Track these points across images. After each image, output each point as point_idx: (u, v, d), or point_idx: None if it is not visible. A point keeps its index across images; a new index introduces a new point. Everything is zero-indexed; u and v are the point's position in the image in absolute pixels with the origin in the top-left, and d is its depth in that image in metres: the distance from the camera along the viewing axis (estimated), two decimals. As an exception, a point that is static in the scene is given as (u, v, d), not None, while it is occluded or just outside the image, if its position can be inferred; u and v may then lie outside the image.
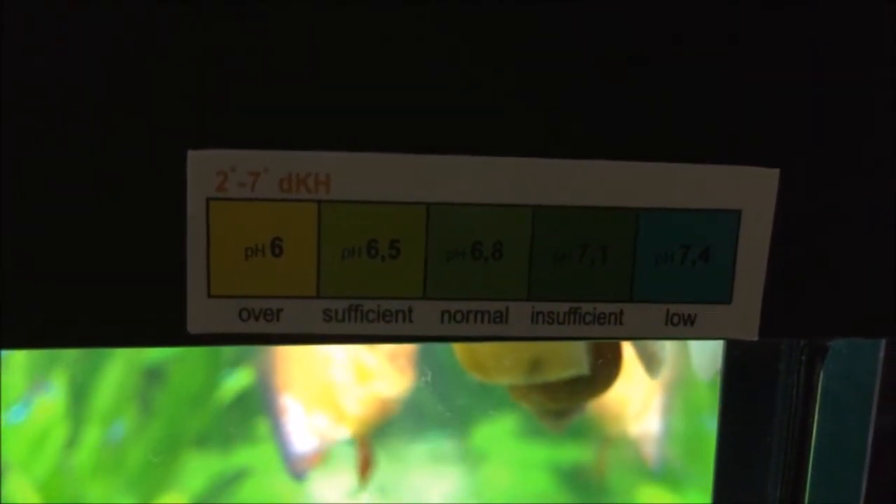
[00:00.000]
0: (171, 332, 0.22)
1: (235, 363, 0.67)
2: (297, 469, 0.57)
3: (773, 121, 0.22)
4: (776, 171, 0.22)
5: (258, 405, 0.66)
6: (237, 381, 0.67)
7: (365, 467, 0.56)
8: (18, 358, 0.65)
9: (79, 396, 0.67)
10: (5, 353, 0.60)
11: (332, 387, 0.55)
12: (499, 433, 0.71)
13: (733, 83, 0.22)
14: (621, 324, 0.23)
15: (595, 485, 0.72)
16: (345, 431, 0.56)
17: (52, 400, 0.65)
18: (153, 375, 0.70)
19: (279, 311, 0.22)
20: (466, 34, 0.21)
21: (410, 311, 0.23)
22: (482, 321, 0.23)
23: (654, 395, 0.63)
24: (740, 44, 0.22)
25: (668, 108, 0.22)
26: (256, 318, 0.22)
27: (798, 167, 0.23)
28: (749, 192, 0.23)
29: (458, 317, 0.23)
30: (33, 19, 0.20)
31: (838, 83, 0.22)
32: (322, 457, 0.57)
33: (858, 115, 0.22)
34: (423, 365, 0.50)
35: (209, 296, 0.22)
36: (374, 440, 0.57)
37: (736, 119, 0.22)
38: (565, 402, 0.35)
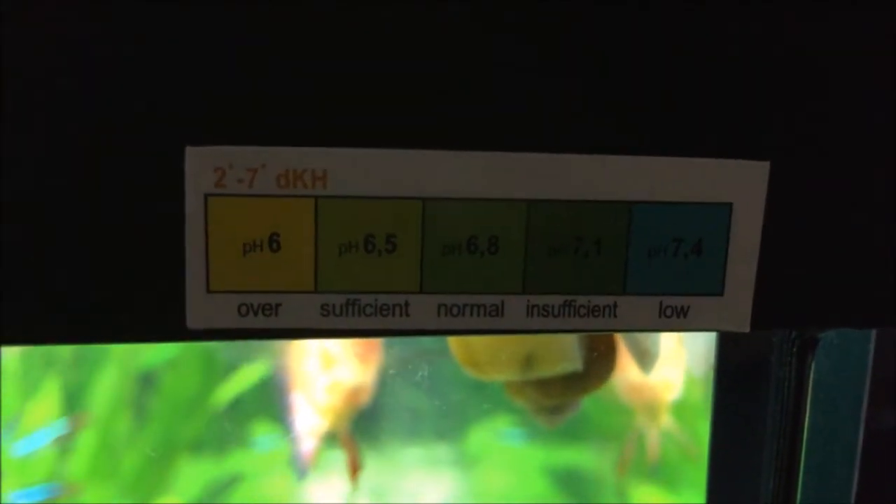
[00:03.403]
0: (170, 328, 0.22)
1: (230, 368, 0.67)
2: (300, 467, 0.57)
3: (763, 114, 0.23)
4: (766, 164, 0.23)
5: (265, 407, 0.66)
6: (242, 379, 0.66)
7: (354, 468, 0.56)
8: (13, 364, 0.65)
9: (73, 402, 0.67)
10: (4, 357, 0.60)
11: (308, 377, 0.54)
12: (493, 436, 0.71)
13: (723, 77, 0.22)
14: (615, 316, 0.24)
15: (591, 487, 0.72)
16: (322, 423, 0.55)
17: (46, 404, 0.65)
18: (147, 381, 0.70)
19: (278, 305, 0.22)
20: (458, 31, 0.21)
21: (407, 304, 0.23)
22: (478, 315, 0.23)
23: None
24: (730, 38, 0.22)
25: (659, 102, 0.22)
26: (255, 313, 0.22)
27: (788, 160, 0.23)
28: (740, 186, 0.23)
29: (455, 310, 0.23)
30: (34, 17, 0.20)
31: (827, 75, 0.23)
32: (316, 453, 0.56)
33: (847, 106, 0.23)
34: (418, 363, 0.50)
35: (208, 291, 0.22)
36: (359, 439, 0.56)
37: (726, 113, 0.22)
38: (559, 397, 0.35)
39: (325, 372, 0.53)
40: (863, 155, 0.23)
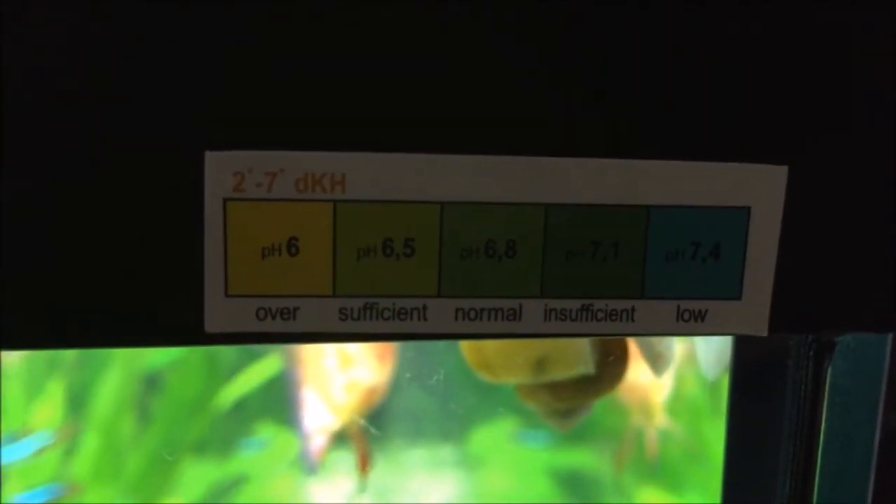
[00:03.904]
0: (188, 331, 0.22)
1: (234, 370, 0.67)
2: (308, 464, 0.57)
3: (782, 118, 0.23)
4: (785, 169, 0.23)
5: (268, 407, 0.66)
6: (245, 380, 0.67)
7: (364, 463, 0.56)
8: (16, 366, 0.65)
9: (77, 404, 0.67)
10: (5, 361, 0.60)
11: (324, 375, 0.55)
12: (496, 437, 0.71)
13: (742, 81, 0.22)
14: (633, 320, 0.24)
15: (594, 488, 0.72)
16: (336, 421, 0.55)
17: (50, 406, 0.65)
18: (151, 382, 0.70)
19: (296, 309, 0.22)
20: (477, 36, 0.21)
21: (425, 308, 0.23)
22: (496, 318, 0.23)
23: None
24: (749, 41, 0.22)
25: (677, 106, 0.22)
26: (273, 317, 0.22)
27: (806, 164, 0.23)
28: (758, 190, 0.23)
29: (472, 314, 0.23)
30: (34, 17, 0.20)
31: (845, 80, 0.22)
32: (326, 448, 0.57)
33: (865, 111, 0.23)
34: (432, 365, 0.50)
35: (226, 295, 0.22)
36: (369, 437, 0.57)
37: (745, 117, 0.22)
38: (571, 401, 0.35)
39: (343, 371, 0.53)
40: (880, 158, 0.23)
